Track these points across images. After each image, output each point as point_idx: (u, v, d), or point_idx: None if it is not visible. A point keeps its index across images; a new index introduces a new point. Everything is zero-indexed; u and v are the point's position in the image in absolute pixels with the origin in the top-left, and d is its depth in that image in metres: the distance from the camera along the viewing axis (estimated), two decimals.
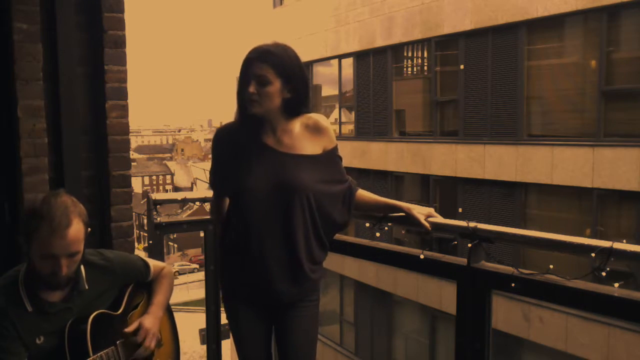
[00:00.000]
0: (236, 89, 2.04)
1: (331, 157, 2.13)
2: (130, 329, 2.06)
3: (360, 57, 13.45)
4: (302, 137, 2.07)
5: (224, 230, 2.19)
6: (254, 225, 2.02)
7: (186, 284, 36.88)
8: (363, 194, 2.22)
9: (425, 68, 12.21)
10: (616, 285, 1.77)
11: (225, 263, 2.19)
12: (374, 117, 13.16)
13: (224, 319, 3.42)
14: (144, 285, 2.23)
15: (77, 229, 1.82)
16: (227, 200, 2.21)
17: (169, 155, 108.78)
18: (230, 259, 2.15)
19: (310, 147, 2.08)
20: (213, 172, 2.17)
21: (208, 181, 2.25)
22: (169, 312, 2.32)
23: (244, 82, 1.98)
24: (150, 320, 2.13)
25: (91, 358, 1.89)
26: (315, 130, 2.09)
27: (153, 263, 2.26)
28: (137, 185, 73.45)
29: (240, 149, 2.04)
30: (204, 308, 3.26)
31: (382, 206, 2.25)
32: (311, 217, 2.05)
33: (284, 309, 2.14)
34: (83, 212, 1.87)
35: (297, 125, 2.08)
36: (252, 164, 2.02)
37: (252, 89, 1.96)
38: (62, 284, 1.90)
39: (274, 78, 1.97)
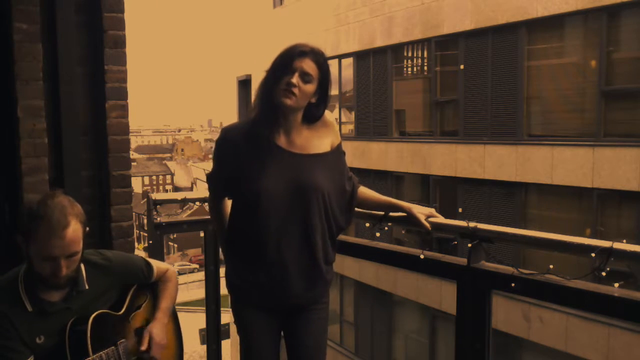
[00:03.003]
0: (267, 78, 1.98)
1: (338, 153, 2.13)
2: (144, 342, 2.07)
3: (360, 57, 13.45)
4: (311, 136, 2.06)
5: (229, 234, 2.14)
6: (271, 228, 1.99)
7: (186, 284, 36.86)
8: (365, 191, 2.21)
9: (425, 68, 12.20)
10: (616, 285, 1.77)
11: (234, 268, 2.13)
12: (374, 117, 13.16)
13: (224, 319, 3.43)
14: (147, 286, 2.22)
15: (75, 229, 1.82)
16: (228, 202, 2.19)
17: (169, 155, 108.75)
18: (240, 264, 2.10)
19: (320, 145, 2.07)
20: (217, 174, 2.11)
21: (207, 182, 2.21)
22: (172, 313, 2.31)
23: (286, 71, 1.94)
24: (158, 330, 2.13)
25: (91, 358, 1.89)
26: (323, 126, 2.09)
27: (156, 264, 2.24)
28: (137, 185, 73.42)
29: (251, 150, 2.00)
30: (204, 308, 3.26)
31: (383, 204, 2.25)
32: (326, 217, 2.04)
33: (297, 313, 2.12)
34: (80, 212, 1.87)
35: (305, 124, 2.07)
36: (267, 165, 1.98)
37: (295, 79, 1.93)
38: (62, 284, 1.90)
39: (315, 80, 1.98)
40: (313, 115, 2.05)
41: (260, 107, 2.01)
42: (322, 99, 2.03)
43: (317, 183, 2.01)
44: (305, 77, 1.95)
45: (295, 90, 1.93)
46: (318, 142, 2.07)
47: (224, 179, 2.10)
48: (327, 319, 2.20)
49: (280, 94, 1.94)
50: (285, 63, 1.95)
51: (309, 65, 1.95)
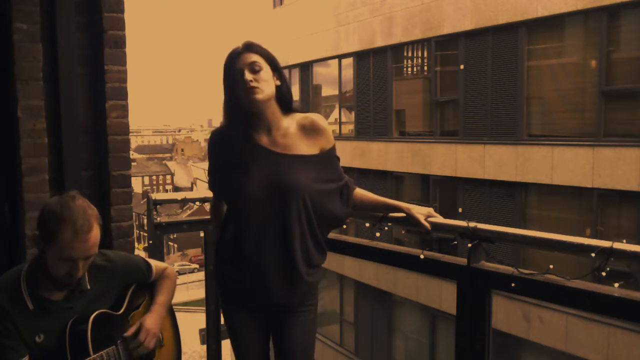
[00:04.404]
0: (225, 93, 2.01)
1: (329, 157, 2.09)
2: (130, 331, 2.06)
3: (360, 57, 13.45)
4: (298, 138, 2.04)
5: (219, 235, 2.15)
6: (249, 229, 1.99)
7: (186, 284, 36.84)
8: (362, 193, 2.20)
9: (425, 68, 12.21)
10: (616, 285, 1.77)
11: (221, 268, 2.15)
12: (374, 117, 13.16)
13: (224, 319, 3.43)
14: (146, 286, 2.23)
15: (96, 233, 1.84)
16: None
17: (169, 155, 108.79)
18: (225, 264, 2.11)
19: (306, 147, 2.04)
20: (211, 175, 2.15)
21: (207, 182, 2.23)
22: (170, 312, 2.32)
23: (236, 77, 1.95)
24: (151, 320, 2.13)
25: (91, 357, 1.89)
26: (312, 130, 2.06)
27: (155, 264, 2.25)
28: (137, 185, 73.43)
29: (234, 151, 2.01)
30: (204, 308, 3.26)
31: (381, 206, 2.24)
32: (307, 219, 2.02)
33: (282, 314, 2.11)
34: (97, 214, 1.89)
35: (293, 125, 2.06)
36: (247, 166, 1.99)
37: (248, 76, 1.94)
38: (74, 285, 1.91)
39: (264, 64, 1.98)
40: (285, 101, 2.05)
41: (234, 114, 2.03)
42: (282, 79, 2.04)
43: (297, 183, 1.98)
44: (253, 67, 1.96)
45: (255, 83, 1.94)
46: (305, 144, 2.04)
47: (216, 180, 2.12)
48: (314, 321, 2.18)
49: (245, 96, 1.95)
50: (231, 70, 1.97)
51: (249, 57, 1.97)
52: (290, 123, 2.06)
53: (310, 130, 2.06)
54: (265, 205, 1.98)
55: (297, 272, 2.03)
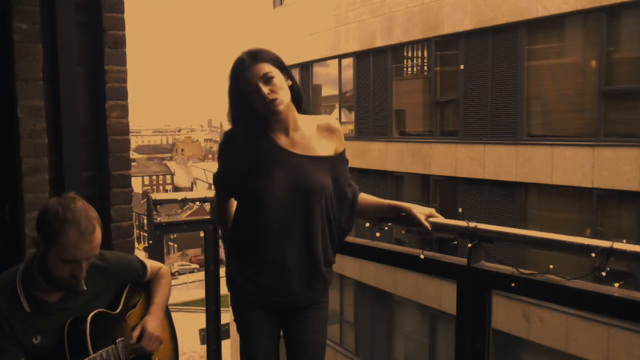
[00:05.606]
0: (236, 104, 1.98)
1: (342, 159, 2.13)
2: (134, 336, 2.08)
3: (360, 57, 13.45)
4: (315, 139, 2.06)
5: (233, 234, 2.15)
6: (273, 228, 1.99)
7: (186, 284, 36.84)
8: (365, 198, 2.22)
9: (425, 68, 12.21)
10: (616, 285, 1.77)
11: (236, 268, 2.12)
12: (374, 117, 13.16)
13: (224, 319, 3.43)
14: (141, 285, 2.23)
15: (99, 233, 1.85)
16: (233, 203, 2.19)
17: (169, 155, 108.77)
18: (242, 263, 2.10)
19: (324, 148, 2.07)
20: (222, 175, 2.11)
21: (212, 182, 2.22)
22: (166, 310, 2.32)
23: (250, 92, 1.93)
24: (153, 322, 2.14)
25: (91, 356, 1.90)
26: (328, 131, 2.09)
27: (150, 263, 2.26)
28: (137, 185, 73.41)
29: (253, 152, 2.00)
30: (204, 308, 3.26)
31: (385, 208, 2.24)
32: (328, 219, 2.06)
33: (297, 312, 2.12)
34: (97, 216, 1.89)
35: (309, 126, 2.07)
36: (269, 167, 1.98)
37: (265, 89, 1.92)
38: (74, 286, 1.91)
39: (274, 70, 1.96)
40: (298, 100, 2.05)
41: (247, 121, 2.00)
42: (291, 77, 2.03)
43: (320, 185, 2.02)
44: (266, 77, 1.93)
45: (273, 95, 1.92)
46: (322, 145, 2.07)
47: (229, 180, 2.10)
48: (326, 318, 2.20)
49: (266, 109, 1.93)
50: (241, 86, 1.94)
51: (259, 68, 1.94)
52: (306, 124, 2.07)
53: (325, 131, 2.09)
54: (288, 206, 1.99)
55: (318, 271, 2.07)
